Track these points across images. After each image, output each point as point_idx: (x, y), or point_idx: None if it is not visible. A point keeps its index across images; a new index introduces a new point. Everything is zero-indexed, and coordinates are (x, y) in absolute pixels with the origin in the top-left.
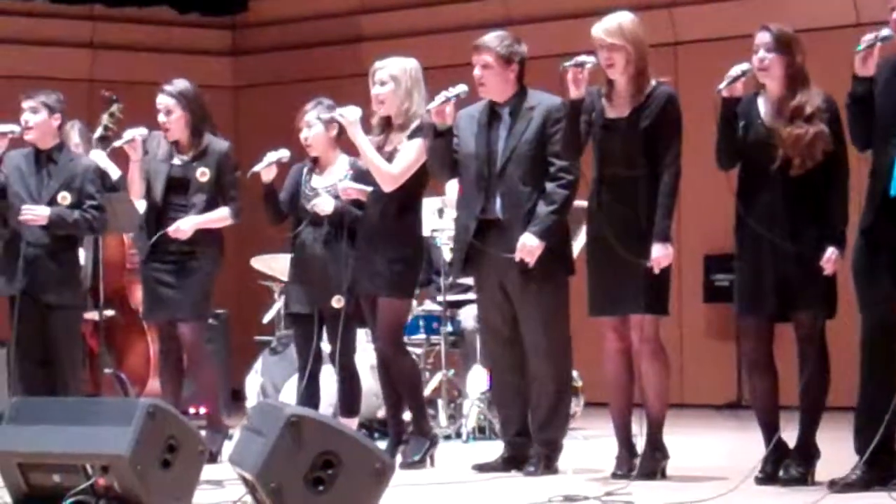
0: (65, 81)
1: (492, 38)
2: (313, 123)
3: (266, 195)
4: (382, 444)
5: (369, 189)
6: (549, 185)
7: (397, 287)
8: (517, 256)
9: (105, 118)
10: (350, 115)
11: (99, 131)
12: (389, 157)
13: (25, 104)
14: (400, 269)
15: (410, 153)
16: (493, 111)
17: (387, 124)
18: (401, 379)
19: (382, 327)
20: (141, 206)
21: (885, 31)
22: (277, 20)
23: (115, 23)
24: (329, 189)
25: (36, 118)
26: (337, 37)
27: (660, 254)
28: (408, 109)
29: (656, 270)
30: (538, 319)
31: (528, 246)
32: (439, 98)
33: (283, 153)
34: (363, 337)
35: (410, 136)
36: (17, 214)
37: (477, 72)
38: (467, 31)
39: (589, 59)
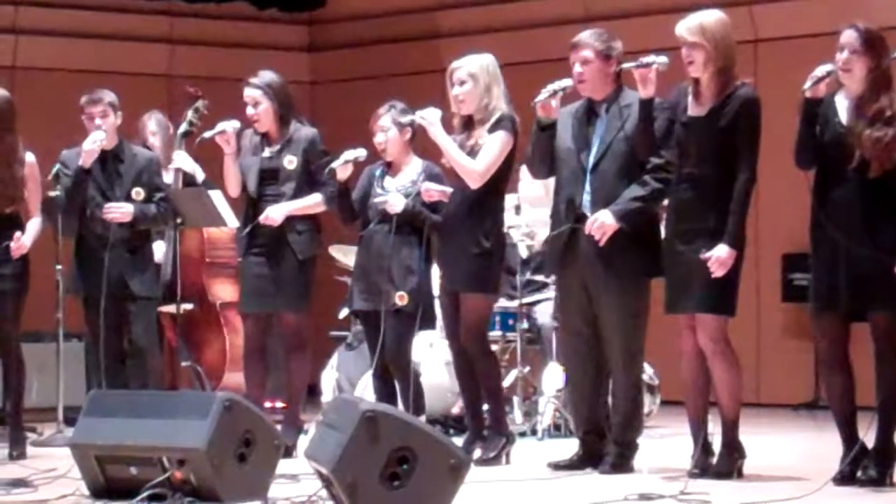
0: (143, 76)
1: (589, 34)
2: (388, 128)
3: (339, 193)
4: (458, 441)
5: (450, 190)
6: (646, 176)
7: (481, 283)
8: (587, 230)
9: (189, 114)
10: (430, 116)
11: (183, 127)
12: (472, 152)
13: (95, 109)
14: (483, 264)
15: (494, 147)
16: (591, 108)
17: (468, 123)
18: (482, 376)
19: (466, 324)
20: (217, 197)
21: None
22: (354, 16)
23: (193, 18)
24: (400, 189)
25: (108, 121)
26: (414, 33)
27: (722, 254)
28: (487, 104)
29: (712, 268)
30: (619, 320)
31: (602, 222)
32: (546, 92)
33: (361, 152)
34: (438, 333)
35: (491, 130)
36: (92, 215)
37: (578, 68)
38: (545, 28)
39: (658, 59)
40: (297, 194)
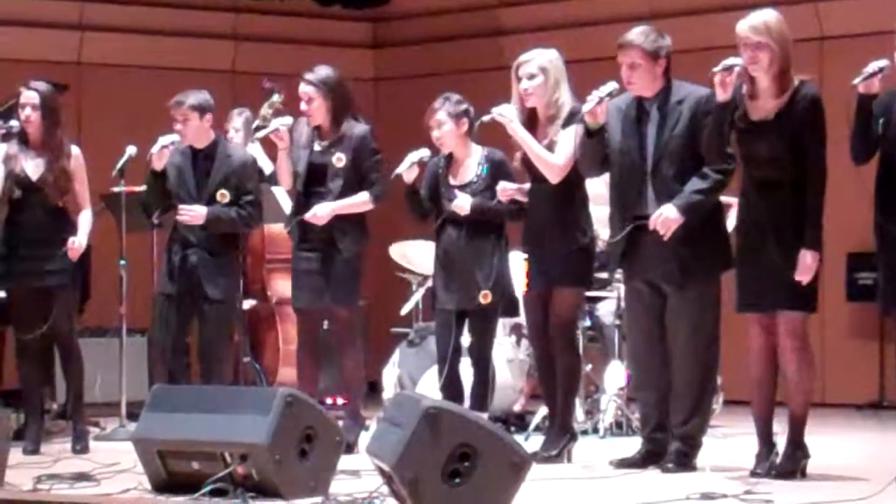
0: (207, 72)
1: (636, 34)
2: (444, 122)
3: (408, 195)
4: (519, 438)
5: (526, 187)
6: (706, 168)
7: (578, 277)
8: (651, 225)
9: (264, 109)
10: (508, 113)
11: (257, 122)
12: (547, 149)
13: (176, 112)
14: (580, 259)
15: (571, 141)
16: (641, 107)
17: (532, 117)
18: (564, 370)
19: (558, 316)
20: (281, 194)
21: None
22: (418, 13)
23: (257, 14)
24: (466, 188)
25: (190, 125)
26: (477, 30)
27: (807, 262)
28: (557, 100)
29: (801, 279)
30: (688, 317)
31: (666, 216)
32: (592, 99)
33: (424, 153)
34: (500, 330)
35: (565, 125)
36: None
37: (624, 71)
38: (610, 25)
39: (737, 62)
40: (345, 192)
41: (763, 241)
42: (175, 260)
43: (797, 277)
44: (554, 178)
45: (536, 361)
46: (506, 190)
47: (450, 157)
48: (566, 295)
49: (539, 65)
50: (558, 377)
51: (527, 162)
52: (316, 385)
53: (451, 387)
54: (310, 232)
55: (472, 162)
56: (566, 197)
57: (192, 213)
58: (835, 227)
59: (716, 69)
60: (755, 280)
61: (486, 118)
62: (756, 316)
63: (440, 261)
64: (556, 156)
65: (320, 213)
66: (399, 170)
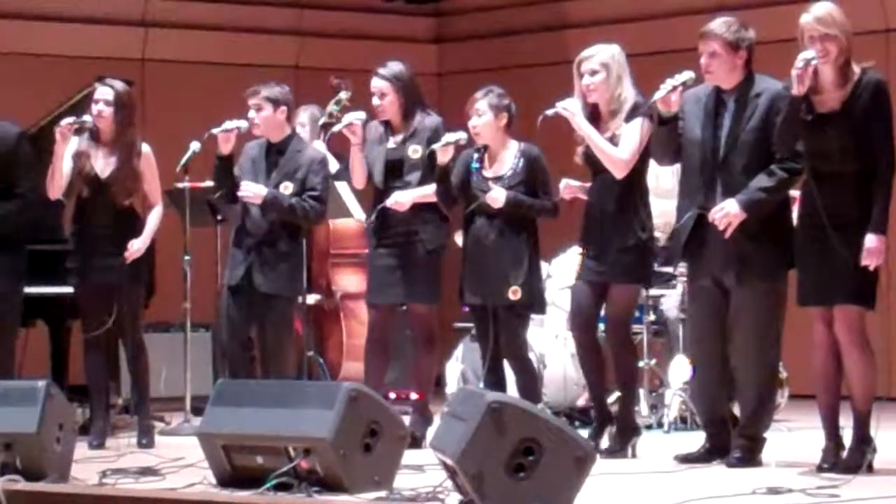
0: (271, 68)
1: (719, 24)
2: (483, 112)
3: (440, 177)
4: (583, 433)
5: (587, 185)
6: (773, 166)
7: (636, 274)
8: (711, 217)
9: (331, 105)
10: (572, 107)
11: (323, 118)
12: (610, 143)
13: (251, 101)
14: (639, 255)
15: (635, 134)
16: (719, 97)
17: (593, 113)
18: (619, 367)
19: (614, 313)
20: (344, 190)
21: None
22: (482, 7)
23: (321, 10)
24: (497, 181)
25: (260, 115)
26: (542, 24)
27: (873, 245)
28: (619, 95)
29: (870, 265)
30: (752, 316)
31: (727, 211)
32: (666, 87)
33: (462, 135)
34: (564, 325)
35: (628, 119)
36: (245, 206)
37: (704, 60)
38: (676, 18)
39: (813, 55)
40: (423, 183)
41: (825, 234)
42: (240, 254)
43: (863, 262)
44: (619, 172)
45: (577, 350)
46: (569, 186)
47: (485, 149)
48: (623, 291)
49: (600, 61)
50: (616, 375)
51: (589, 155)
52: (382, 380)
53: (493, 385)
54: (390, 228)
55: (508, 156)
56: (628, 191)
57: (253, 191)
58: None
59: (796, 69)
60: (818, 273)
61: (549, 112)
62: (820, 310)
63: (469, 253)
64: (620, 150)
65: (402, 199)
66: (435, 146)
